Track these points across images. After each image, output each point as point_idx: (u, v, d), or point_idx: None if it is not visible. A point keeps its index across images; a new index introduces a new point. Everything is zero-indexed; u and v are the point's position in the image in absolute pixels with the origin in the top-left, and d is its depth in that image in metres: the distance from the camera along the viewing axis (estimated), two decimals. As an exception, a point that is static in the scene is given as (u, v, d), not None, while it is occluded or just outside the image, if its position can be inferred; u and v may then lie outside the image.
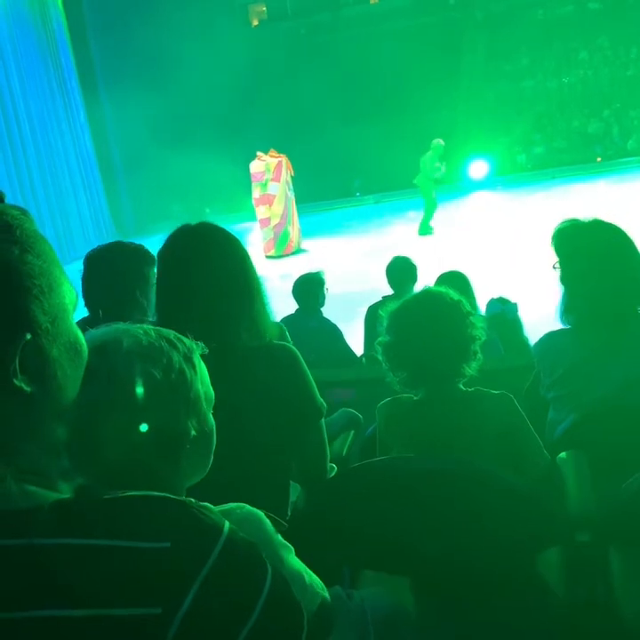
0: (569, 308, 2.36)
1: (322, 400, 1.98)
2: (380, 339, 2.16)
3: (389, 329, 2.12)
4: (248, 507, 1.26)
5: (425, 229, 13.45)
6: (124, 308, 2.44)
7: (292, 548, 1.29)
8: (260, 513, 1.26)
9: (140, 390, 1.07)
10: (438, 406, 2.08)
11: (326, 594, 1.31)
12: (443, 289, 2.16)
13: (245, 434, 1.78)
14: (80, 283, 2.65)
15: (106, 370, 1.06)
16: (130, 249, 2.66)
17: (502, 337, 4.40)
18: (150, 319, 2.26)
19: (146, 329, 1.14)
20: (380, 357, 2.16)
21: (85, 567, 0.82)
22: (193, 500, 0.97)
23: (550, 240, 2.39)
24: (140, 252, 2.63)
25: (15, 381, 0.83)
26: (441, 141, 13.68)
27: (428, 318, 2.05)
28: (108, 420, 1.05)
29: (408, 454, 2.05)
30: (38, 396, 0.85)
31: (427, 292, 2.16)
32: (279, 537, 1.28)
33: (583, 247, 2.32)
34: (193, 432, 1.13)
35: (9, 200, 0.89)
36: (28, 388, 0.84)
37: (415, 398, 2.14)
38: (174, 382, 1.11)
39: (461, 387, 2.09)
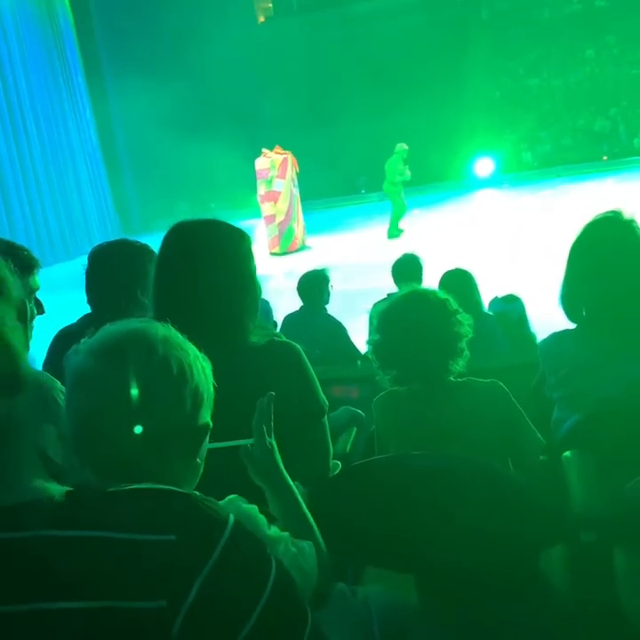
0: (574, 303, 2.32)
1: (324, 398, 1.98)
2: (369, 338, 2.24)
3: (378, 328, 2.21)
4: (239, 500, 1.28)
5: (394, 232, 13.43)
6: (125, 306, 2.43)
7: (284, 538, 1.30)
8: (254, 507, 1.28)
9: (177, 371, 1.07)
10: (431, 398, 2.15)
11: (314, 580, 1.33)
12: (429, 288, 2.29)
13: (248, 431, 1.77)
14: (84, 278, 2.66)
15: (146, 350, 1.06)
16: (134, 247, 2.66)
17: (506, 335, 4.38)
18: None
19: (164, 324, 1.15)
20: (369, 356, 2.24)
21: (91, 559, 0.83)
22: (198, 493, 0.97)
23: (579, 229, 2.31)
24: (144, 251, 2.63)
25: None
26: (405, 145, 13.83)
27: (414, 317, 2.13)
28: (147, 398, 1.04)
29: (406, 448, 2.08)
30: None
31: (413, 292, 2.24)
32: (272, 530, 1.29)
33: (602, 243, 2.26)
34: (211, 425, 1.14)
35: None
36: None
37: (409, 390, 2.19)
38: (200, 371, 1.12)
39: (451, 378, 2.16)
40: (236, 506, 1.25)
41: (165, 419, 1.05)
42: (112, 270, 2.59)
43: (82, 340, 1.10)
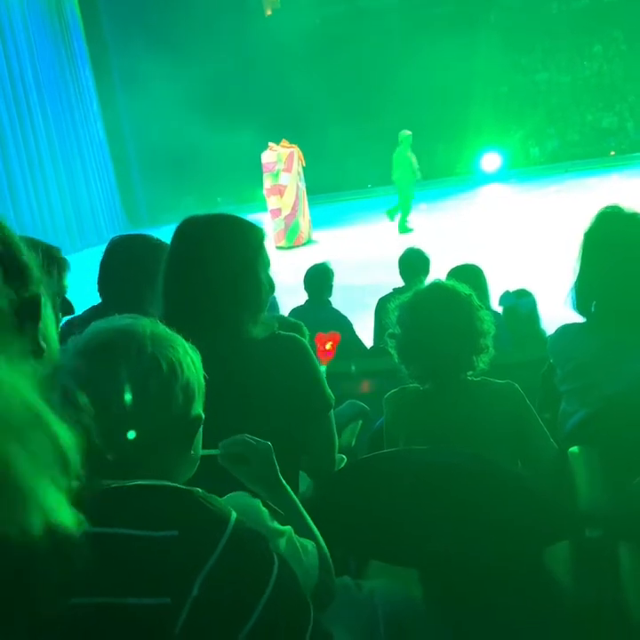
0: (584, 296, 2.31)
1: (330, 392, 1.97)
2: (390, 331, 2.16)
3: (400, 321, 2.13)
4: (244, 496, 1.28)
5: (404, 228, 13.24)
6: (135, 300, 2.43)
7: (287, 532, 1.30)
8: (257, 501, 1.29)
9: (167, 369, 1.09)
10: (445, 396, 2.10)
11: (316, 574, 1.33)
12: (453, 282, 2.18)
13: (254, 425, 1.77)
14: (91, 270, 2.67)
15: (135, 348, 1.07)
16: (152, 242, 2.66)
17: (516, 330, 4.35)
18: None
19: (151, 319, 1.16)
20: (390, 350, 2.17)
21: (95, 556, 0.82)
22: (200, 489, 0.96)
23: (588, 223, 2.30)
24: (161, 247, 2.62)
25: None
26: (408, 132, 13.47)
27: (439, 311, 2.06)
28: (139, 396, 1.05)
29: (416, 445, 2.05)
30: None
31: (438, 285, 2.17)
32: (275, 524, 1.29)
33: (616, 237, 2.25)
34: (203, 416, 1.15)
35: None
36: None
37: (422, 388, 2.15)
38: (190, 364, 1.13)
39: (469, 376, 2.11)
40: (238, 500, 1.26)
41: (159, 416, 1.06)
42: (126, 263, 2.60)
43: (69, 339, 1.11)
